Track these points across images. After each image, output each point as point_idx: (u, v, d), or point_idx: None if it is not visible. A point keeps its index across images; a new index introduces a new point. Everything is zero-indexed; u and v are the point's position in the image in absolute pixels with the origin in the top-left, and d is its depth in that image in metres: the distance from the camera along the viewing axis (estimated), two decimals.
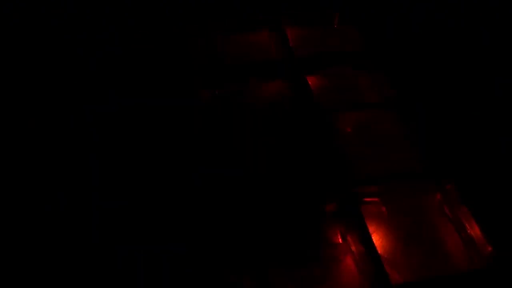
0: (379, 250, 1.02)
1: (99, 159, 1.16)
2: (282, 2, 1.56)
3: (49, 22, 1.45)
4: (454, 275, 1.02)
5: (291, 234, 1.08)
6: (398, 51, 1.44)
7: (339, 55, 1.46)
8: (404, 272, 1.02)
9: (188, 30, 1.50)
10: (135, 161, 1.16)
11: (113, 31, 1.46)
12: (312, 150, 1.21)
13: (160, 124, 1.26)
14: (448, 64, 1.41)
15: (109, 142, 1.20)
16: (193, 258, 1.02)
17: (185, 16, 1.52)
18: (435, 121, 1.25)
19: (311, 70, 1.40)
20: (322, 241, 1.08)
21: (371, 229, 1.06)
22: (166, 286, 0.98)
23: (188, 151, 1.20)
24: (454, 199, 1.11)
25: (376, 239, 1.05)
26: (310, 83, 1.36)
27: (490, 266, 1.01)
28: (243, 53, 1.47)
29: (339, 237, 1.08)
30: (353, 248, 1.06)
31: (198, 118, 1.29)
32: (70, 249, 1.01)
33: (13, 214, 1.06)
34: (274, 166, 1.18)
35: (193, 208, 1.09)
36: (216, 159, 1.19)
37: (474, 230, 1.06)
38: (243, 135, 1.24)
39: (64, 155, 1.17)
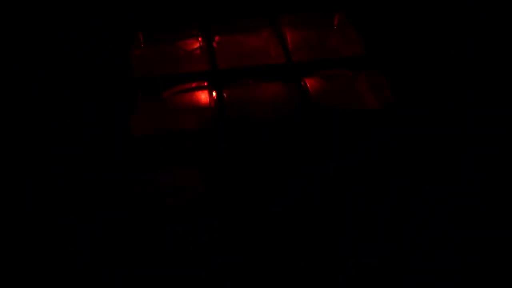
0: None
1: None
2: (281, 2, 1.56)
3: (49, 22, 1.46)
4: None
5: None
6: (399, 53, 1.44)
7: (339, 57, 1.47)
8: None
9: (187, 30, 1.51)
10: None
11: (113, 31, 1.46)
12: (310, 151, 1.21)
13: None
14: (449, 65, 1.40)
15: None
16: None
17: (184, 16, 1.52)
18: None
19: (310, 72, 1.40)
20: None
21: None
22: None
23: None
24: None
25: None
26: (308, 85, 1.37)
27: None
28: (242, 54, 1.48)
29: None
30: None
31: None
32: None
33: None
34: (272, 167, 1.18)
35: None
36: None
37: None
38: (241, 136, 1.24)
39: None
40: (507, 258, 1.01)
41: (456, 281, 0.98)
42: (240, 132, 1.24)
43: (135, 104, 1.31)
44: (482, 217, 1.07)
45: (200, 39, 1.50)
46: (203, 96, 1.37)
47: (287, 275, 0.99)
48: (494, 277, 0.99)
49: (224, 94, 1.33)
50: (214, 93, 1.33)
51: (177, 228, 1.07)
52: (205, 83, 1.37)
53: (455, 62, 1.40)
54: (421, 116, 1.25)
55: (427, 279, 0.98)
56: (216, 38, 1.50)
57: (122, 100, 1.29)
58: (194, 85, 1.37)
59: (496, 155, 1.18)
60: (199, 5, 1.53)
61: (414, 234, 1.05)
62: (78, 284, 0.98)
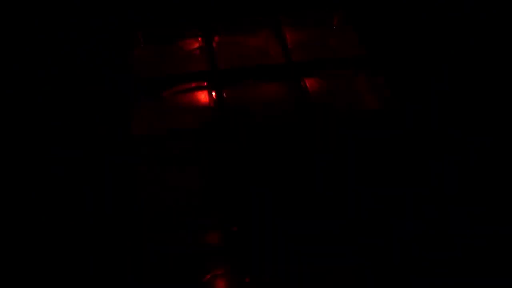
0: None
1: None
2: (281, 2, 1.56)
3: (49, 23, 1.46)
4: None
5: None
6: (399, 54, 1.44)
7: (338, 57, 1.46)
8: None
9: (186, 30, 1.51)
10: None
11: (113, 31, 1.46)
12: (309, 152, 1.21)
13: None
14: (450, 67, 1.40)
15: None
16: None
17: (183, 16, 1.52)
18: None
19: (310, 72, 1.40)
20: None
21: None
22: None
23: None
24: None
25: None
26: (308, 85, 1.37)
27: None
28: (241, 54, 1.48)
29: None
30: None
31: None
32: None
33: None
34: (272, 169, 1.18)
35: None
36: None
37: None
38: (240, 137, 1.24)
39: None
40: None
41: None
42: (240, 132, 1.24)
43: (135, 104, 1.31)
44: None
45: (200, 39, 1.50)
46: (202, 96, 1.37)
47: None
48: None
49: (224, 94, 1.33)
50: (213, 93, 1.33)
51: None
52: (205, 83, 1.37)
53: (455, 62, 1.40)
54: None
55: None
56: (216, 38, 1.50)
57: (122, 100, 1.29)
58: (193, 85, 1.37)
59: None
60: (199, 5, 1.53)
61: None
62: None
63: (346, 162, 1.17)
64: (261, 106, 1.34)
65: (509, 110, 1.29)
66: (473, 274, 0.98)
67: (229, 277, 1.02)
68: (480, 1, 1.55)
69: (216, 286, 1.01)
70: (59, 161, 1.16)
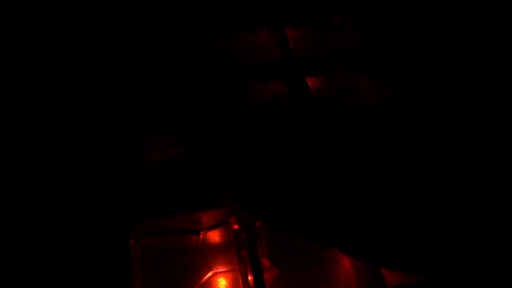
0: None
1: None
2: (282, 2, 1.56)
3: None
4: None
5: (288, 235, 1.09)
6: (400, 52, 1.44)
7: (339, 56, 1.47)
8: (399, 274, 1.02)
9: (187, 30, 1.51)
10: None
11: (113, 31, 1.47)
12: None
13: None
14: (450, 66, 1.40)
15: None
16: None
17: (184, 16, 1.53)
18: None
19: (311, 71, 1.40)
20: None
21: None
22: None
23: None
24: None
25: None
26: (309, 84, 1.37)
27: None
28: (243, 53, 1.48)
29: None
30: None
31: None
32: None
33: None
34: (272, 167, 1.18)
35: None
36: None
37: None
38: (241, 136, 1.24)
39: None
40: None
41: None
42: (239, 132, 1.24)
43: (136, 104, 1.31)
44: None
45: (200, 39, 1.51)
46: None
47: None
48: None
49: (225, 93, 1.33)
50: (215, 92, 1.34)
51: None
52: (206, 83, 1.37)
53: (454, 62, 1.40)
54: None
55: None
56: (216, 38, 1.50)
57: (122, 100, 1.29)
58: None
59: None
60: (199, 5, 1.53)
61: None
62: None
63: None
64: (261, 105, 1.35)
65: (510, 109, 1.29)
66: None
67: (230, 274, 1.02)
68: (480, 1, 1.55)
69: (216, 285, 1.01)
70: (59, 161, 1.15)
